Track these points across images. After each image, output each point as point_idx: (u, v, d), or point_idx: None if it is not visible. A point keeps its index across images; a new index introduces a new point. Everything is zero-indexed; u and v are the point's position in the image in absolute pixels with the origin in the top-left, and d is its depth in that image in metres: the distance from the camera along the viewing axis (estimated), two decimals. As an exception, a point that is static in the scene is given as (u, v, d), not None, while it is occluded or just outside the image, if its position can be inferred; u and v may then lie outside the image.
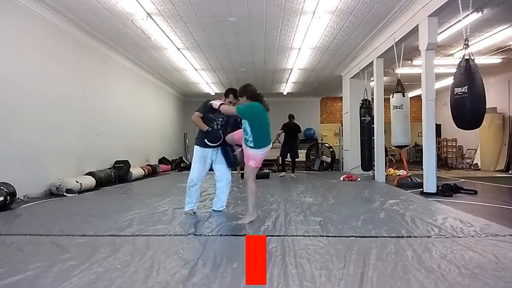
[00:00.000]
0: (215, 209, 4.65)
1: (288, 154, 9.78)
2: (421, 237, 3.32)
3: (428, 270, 2.44)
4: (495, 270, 2.46)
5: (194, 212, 4.50)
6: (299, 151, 10.17)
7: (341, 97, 13.05)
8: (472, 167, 12.50)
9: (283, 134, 9.75)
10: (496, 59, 9.73)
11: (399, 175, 8.05)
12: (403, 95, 7.15)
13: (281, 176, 9.73)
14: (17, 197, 5.27)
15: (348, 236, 3.34)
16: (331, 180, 8.71)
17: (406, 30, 6.67)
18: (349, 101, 11.15)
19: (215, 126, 4.44)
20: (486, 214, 4.43)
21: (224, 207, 4.70)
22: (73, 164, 7.29)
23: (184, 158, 15.02)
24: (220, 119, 4.48)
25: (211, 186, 6.53)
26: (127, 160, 9.01)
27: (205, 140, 4.38)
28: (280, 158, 13.71)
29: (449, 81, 5.97)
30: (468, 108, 4.88)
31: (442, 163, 14.08)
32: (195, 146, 4.52)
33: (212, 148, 4.45)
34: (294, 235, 3.40)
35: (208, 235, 3.43)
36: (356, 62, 9.92)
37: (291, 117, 9.93)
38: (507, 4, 6.29)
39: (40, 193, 6.22)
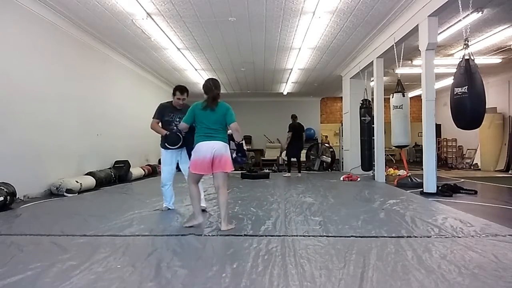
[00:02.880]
0: None
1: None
2: (421, 237, 3.32)
3: (428, 270, 2.44)
4: (495, 270, 2.46)
5: (169, 209, 4.72)
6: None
7: (341, 97, 13.06)
8: (472, 167, 12.49)
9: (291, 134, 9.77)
10: (496, 59, 9.73)
11: (399, 175, 8.05)
12: (403, 95, 7.14)
13: (286, 176, 9.64)
14: (17, 197, 5.27)
15: (348, 236, 3.34)
16: (331, 180, 8.71)
17: (406, 30, 6.67)
18: (349, 101, 11.15)
19: (174, 127, 4.51)
20: (486, 214, 4.43)
21: (202, 205, 4.60)
22: (73, 164, 7.29)
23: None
24: (177, 119, 4.52)
25: (211, 186, 6.52)
26: (127, 160, 9.02)
27: (165, 144, 4.52)
28: (280, 158, 13.67)
29: (449, 81, 5.98)
30: (468, 108, 4.88)
31: (442, 163, 14.08)
32: (161, 149, 4.66)
33: (176, 149, 4.55)
34: (294, 235, 3.39)
35: (208, 235, 3.43)
36: (356, 62, 9.91)
37: (295, 117, 9.95)
38: (507, 4, 6.29)
39: (40, 193, 6.22)
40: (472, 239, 3.22)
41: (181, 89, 4.57)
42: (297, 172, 9.81)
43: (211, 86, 3.76)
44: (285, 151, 10.31)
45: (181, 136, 4.39)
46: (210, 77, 3.97)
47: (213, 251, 2.95)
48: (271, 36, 8.24)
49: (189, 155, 4.41)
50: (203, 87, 3.83)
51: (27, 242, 3.20)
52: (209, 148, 3.63)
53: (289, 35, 8.13)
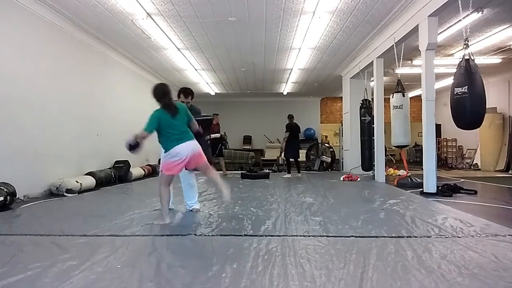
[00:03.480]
0: (187, 209, 4.71)
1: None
2: (421, 237, 3.32)
3: (428, 270, 2.44)
4: (495, 270, 2.46)
5: (169, 209, 4.58)
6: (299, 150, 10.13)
7: (341, 97, 13.05)
8: (472, 167, 12.49)
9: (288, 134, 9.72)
10: (496, 59, 9.72)
11: (399, 175, 8.05)
12: (403, 95, 7.14)
13: (286, 177, 9.48)
14: (17, 197, 5.27)
15: (348, 236, 3.34)
16: (331, 180, 8.71)
17: (406, 30, 6.67)
18: (349, 101, 11.15)
19: None
20: (486, 214, 4.43)
21: (195, 207, 4.65)
22: (73, 164, 7.29)
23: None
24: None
25: (211, 186, 6.53)
26: (127, 160, 9.00)
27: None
28: (280, 158, 13.65)
29: (449, 81, 5.98)
30: (468, 108, 4.88)
31: (442, 163, 14.08)
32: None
33: None
34: (294, 235, 3.39)
35: (208, 235, 3.43)
36: (356, 62, 9.91)
37: (291, 117, 9.91)
38: (507, 4, 6.29)
39: (40, 193, 6.22)
40: (472, 239, 3.22)
41: (185, 92, 4.56)
42: (297, 172, 9.80)
43: (163, 91, 3.84)
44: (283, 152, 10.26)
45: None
46: (160, 82, 4.03)
47: (213, 251, 2.95)
48: (271, 36, 8.24)
49: None
50: (154, 94, 3.82)
51: (27, 242, 3.20)
52: (187, 149, 3.82)
53: (289, 35, 8.12)
